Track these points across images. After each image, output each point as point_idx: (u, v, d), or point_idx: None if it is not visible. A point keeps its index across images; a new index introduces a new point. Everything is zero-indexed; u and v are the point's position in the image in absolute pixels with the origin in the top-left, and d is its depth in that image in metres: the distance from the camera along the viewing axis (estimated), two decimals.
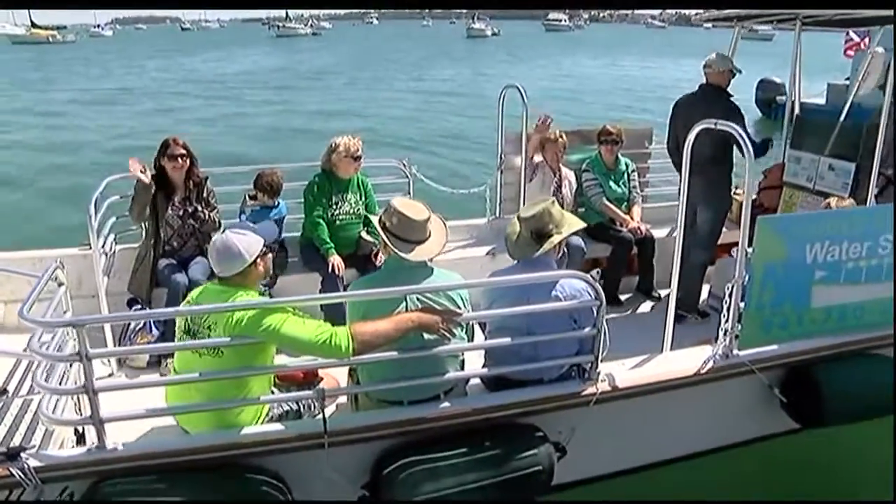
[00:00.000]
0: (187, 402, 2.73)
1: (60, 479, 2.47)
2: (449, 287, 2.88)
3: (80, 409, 2.83)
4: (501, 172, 5.59)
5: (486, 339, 3.19)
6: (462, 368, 3.07)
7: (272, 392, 2.93)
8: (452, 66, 40.77)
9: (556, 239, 3.09)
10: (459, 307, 2.88)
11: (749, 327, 3.18)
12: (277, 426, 2.76)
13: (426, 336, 2.77)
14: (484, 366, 3.14)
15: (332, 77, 34.61)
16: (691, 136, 3.30)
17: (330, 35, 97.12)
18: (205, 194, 4.44)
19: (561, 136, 5.36)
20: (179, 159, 4.28)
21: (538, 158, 5.36)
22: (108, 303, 3.99)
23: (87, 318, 2.50)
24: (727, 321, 3.15)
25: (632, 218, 5.39)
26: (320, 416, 2.71)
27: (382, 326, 2.67)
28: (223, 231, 2.96)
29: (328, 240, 4.50)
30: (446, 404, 2.88)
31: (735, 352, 3.22)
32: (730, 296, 3.08)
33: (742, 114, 4.43)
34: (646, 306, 5.23)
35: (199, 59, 48.04)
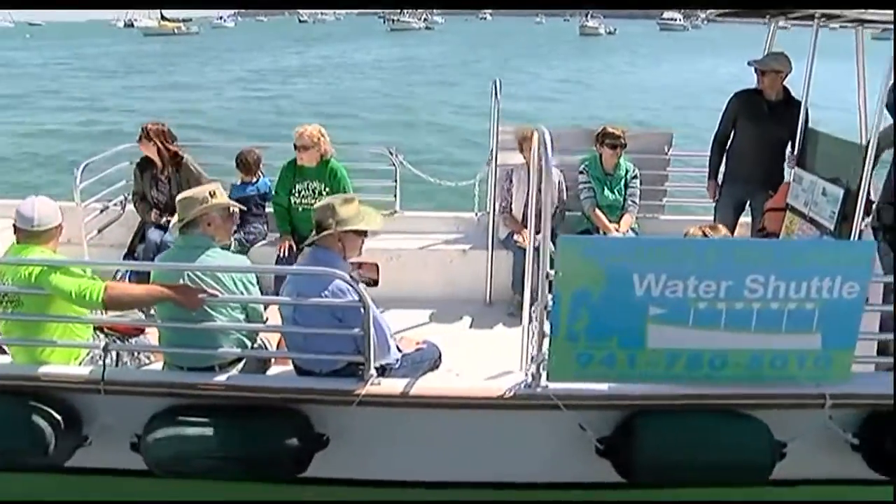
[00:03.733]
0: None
1: None
2: (206, 268, 3.19)
3: None
4: (494, 167, 5.44)
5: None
6: (250, 347, 3.34)
7: (93, 339, 3.44)
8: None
9: (326, 232, 3.18)
10: (229, 290, 3.17)
11: (558, 358, 2.92)
12: (72, 368, 3.25)
13: (211, 311, 3.15)
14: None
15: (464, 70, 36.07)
16: None
17: (443, 29, 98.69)
18: (183, 172, 5.08)
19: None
20: (145, 140, 5.09)
21: (520, 159, 5.16)
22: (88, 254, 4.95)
23: None
24: (532, 347, 3.01)
25: (617, 228, 5.08)
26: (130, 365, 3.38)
27: (136, 290, 3.21)
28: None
29: (283, 224, 5.05)
30: (221, 377, 3.17)
31: (543, 382, 3.02)
32: (530, 319, 2.93)
33: None
34: None
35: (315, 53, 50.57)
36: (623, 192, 5.27)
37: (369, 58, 45.09)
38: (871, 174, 3.67)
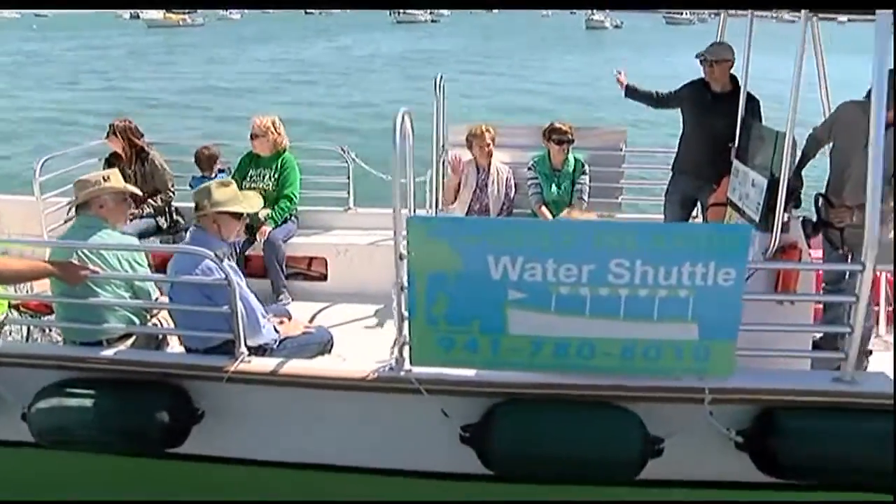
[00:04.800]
0: None
1: None
2: (94, 246, 3.38)
3: None
4: (443, 164, 5.49)
5: None
6: (138, 324, 3.51)
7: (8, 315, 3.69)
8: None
9: (200, 213, 3.41)
10: (113, 268, 3.37)
11: (419, 342, 2.88)
12: None
13: (95, 287, 3.33)
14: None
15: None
16: None
17: (449, 22, 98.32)
18: (148, 166, 5.40)
19: (488, 131, 5.18)
20: (108, 137, 5.41)
21: (468, 156, 5.22)
22: None
23: None
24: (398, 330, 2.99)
25: None
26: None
27: (17, 265, 3.30)
28: None
29: None
30: (107, 352, 3.33)
31: (407, 366, 3.00)
32: (398, 303, 2.90)
33: None
34: None
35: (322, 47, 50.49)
36: (570, 189, 5.28)
37: (378, 51, 45.28)
38: (788, 162, 3.47)
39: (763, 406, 3.02)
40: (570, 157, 5.31)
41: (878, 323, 4.33)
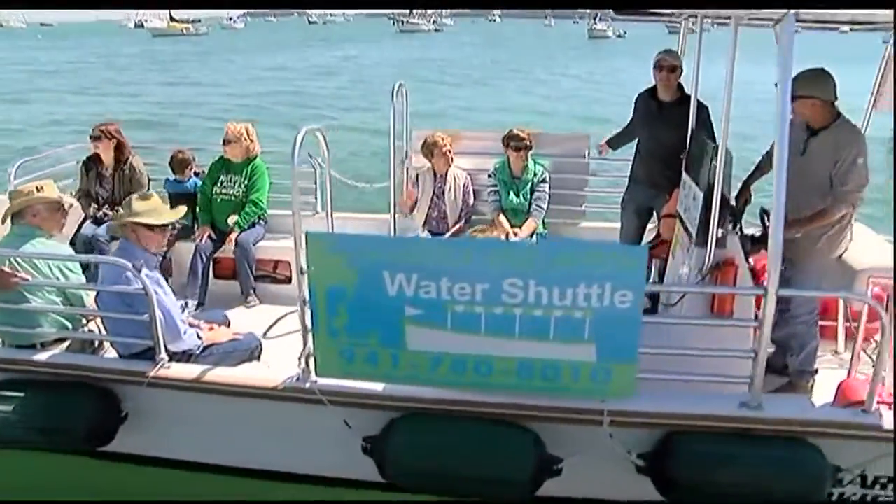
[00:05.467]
0: None
1: None
2: (24, 255, 3.49)
3: None
4: (406, 170, 5.48)
5: None
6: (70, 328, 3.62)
7: None
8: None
9: (119, 222, 3.52)
10: (45, 275, 3.48)
11: (323, 354, 2.94)
12: None
13: (27, 294, 3.45)
14: None
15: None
16: None
17: (452, 31, 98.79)
18: (127, 170, 5.49)
19: (443, 139, 5.16)
20: (95, 140, 5.46)
21: (427, 164, 5.18)
22: None
23: None
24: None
25: (517, 233, 5.04)
26: None
27: None
28: None
29: (204, 214, 5.41)
30: (40, 355, 3.47)
31: (313, 377, 3.06)
32: (301, 315, 2.96)
33: None
34: None
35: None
36: (529, 196, 5.22)
37: (380, 58, 45.61)
38: (721, 175, 3.36)
39: (668, 430, 2.96)
40: (531, 164, 5.24)
41: (836, 340, 4.25)
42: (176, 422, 3.46)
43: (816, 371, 3.90)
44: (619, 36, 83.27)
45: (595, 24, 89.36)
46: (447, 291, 2.68)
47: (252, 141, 5.44)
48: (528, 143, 5.14)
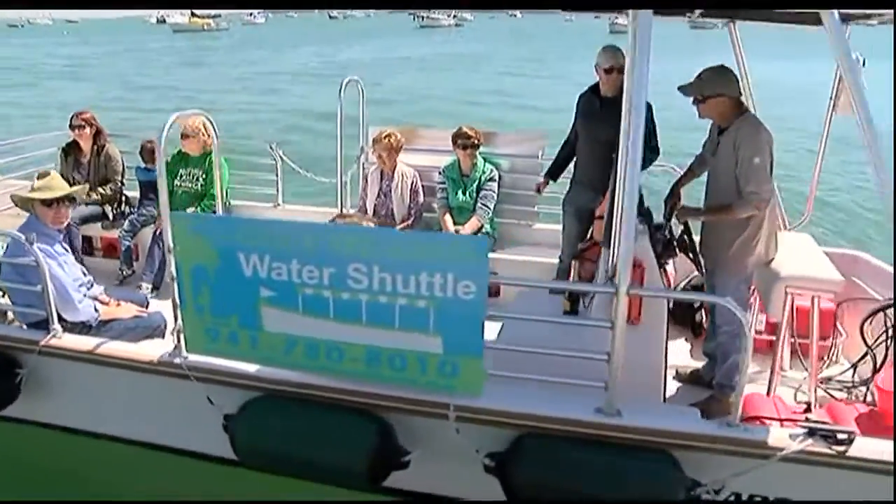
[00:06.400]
0: None
1: None
2: None
3: None
4: (363, 166, 5.62)
5: None
6: None
7: None
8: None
9: (17, 198, 3.76)
10: None
11: (191, 331, 3.04)
12: None
13: None
14: None
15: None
16: None
17: (473, 27, 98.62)
18: (103, 157, 5.73)
19: (390, 136, 5.12)
20: (77, 129, 5.69)
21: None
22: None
23: None
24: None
25: (458, 231, 5.01)
26: None
27: None
28: None
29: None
30: None
31: (184, 353, 3.16)
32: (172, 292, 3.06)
33: None
34: None
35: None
36: (476, 195, 5.20)
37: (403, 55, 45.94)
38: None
39: (523, 431, 2.90)
40: (480, 162, 5.22)
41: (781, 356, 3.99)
42: (65, 390, 3.62)
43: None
44: None
45: (616, 18, 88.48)
46: (297, 274, 2.72)
47: (209, 136, 5.51)
48: (476, 141, 5.12)
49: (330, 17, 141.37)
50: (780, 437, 2.74)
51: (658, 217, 3.88)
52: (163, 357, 3.24)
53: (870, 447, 2.72)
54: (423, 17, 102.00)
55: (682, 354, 4.45)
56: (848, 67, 2.64)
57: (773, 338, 4.02)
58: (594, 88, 4.66)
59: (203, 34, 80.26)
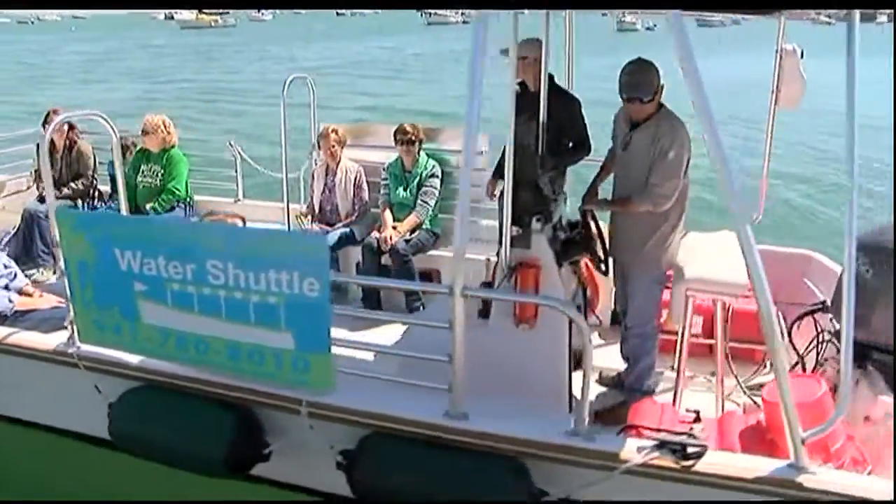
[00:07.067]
0: None
1: None
2: None
3: None
4: (315, 162, 5.75)
5: None
6: None
7: None
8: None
9: None
10: None
11: (82, 322, 3.21)
12: None
13: None
14: None
15: None
16: None
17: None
18: (75, 153, 5.96)
19: (333, 132, 5.24)
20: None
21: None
22: None
23: None
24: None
25: (395, 227, 5.11)
26: None
27: None
28: None
29: (129, 201, 5.47)
30: None
31: (77, 343, 3.34)
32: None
33: None
34: None
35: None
36: (415, 191, 5.29)
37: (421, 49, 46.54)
38: (511, 169, 3.36)
39: (373, 430, 2.96)
40: (422, 158, 5.31)
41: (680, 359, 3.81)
42: None
43: (652, 391, 3.78)
44: (648, 28, 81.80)
45: (624, 16, 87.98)
46: (164, 269, 2.86)
47: (169, 133, 5.83)
48: (414, 137, 5.22)
49: (337, 13, 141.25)
50: (627, 448, 2.67)
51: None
52: (58, 347, 3.43)
53: (720, 462, 2.62)
54: (430, 14, 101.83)
55: (615, 356, 4.21)
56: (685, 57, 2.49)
57: (711, 341, 3.96)
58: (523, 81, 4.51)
59: (210, 30, 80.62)
